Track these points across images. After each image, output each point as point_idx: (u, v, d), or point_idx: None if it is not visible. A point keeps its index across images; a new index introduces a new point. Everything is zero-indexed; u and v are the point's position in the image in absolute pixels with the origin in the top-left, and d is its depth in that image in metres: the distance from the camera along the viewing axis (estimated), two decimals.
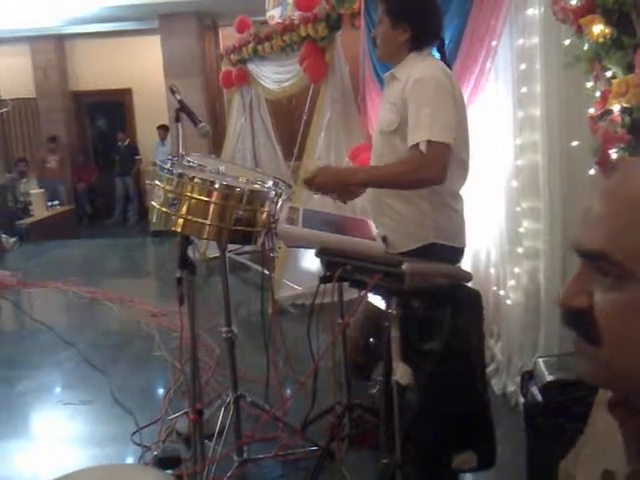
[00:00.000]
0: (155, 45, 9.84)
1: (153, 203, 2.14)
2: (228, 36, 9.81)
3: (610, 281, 0.61)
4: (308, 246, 2.31)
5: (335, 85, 4.60)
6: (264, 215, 2.16)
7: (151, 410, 3.16)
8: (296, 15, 4.76)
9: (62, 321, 4.94)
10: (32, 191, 8.85)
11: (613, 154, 1.71)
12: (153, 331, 4.30)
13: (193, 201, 2.03)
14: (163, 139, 10.35)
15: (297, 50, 4.83)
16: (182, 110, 2.65)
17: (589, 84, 1.89)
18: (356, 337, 2.98)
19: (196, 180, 2.05)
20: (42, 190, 8.99)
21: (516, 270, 2.88)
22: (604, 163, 1.74)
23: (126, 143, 10.95)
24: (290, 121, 6.02)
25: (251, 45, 5.51)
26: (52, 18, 8.70)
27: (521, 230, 2.79)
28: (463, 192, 2.34)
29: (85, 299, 5.24)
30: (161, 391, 3.46)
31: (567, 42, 2.01)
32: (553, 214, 2.63)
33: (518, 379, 2.92)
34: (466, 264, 3.51)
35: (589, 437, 0.81)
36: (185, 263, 2.26)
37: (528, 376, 2.15)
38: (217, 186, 2.04)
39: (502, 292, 3.05)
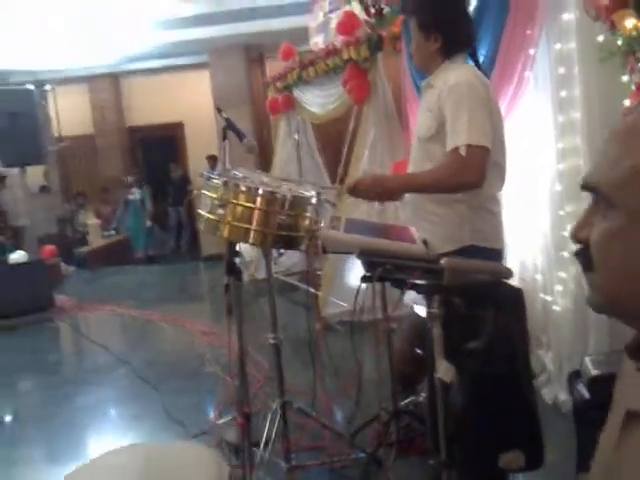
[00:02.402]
0: (205, 79, 10.20)
1: (200, 211, 2.24)
2: (274, 67, 10.10)
3: (603, 212, 0.65)
4: (350, 250, 2.36)
5: (378, 104, 4.68)
6: (306, 221, 2.23)
7: (202, 422, 3.22)
8: (338, 39, 4.89)
9: (117, 341, 5.11)
10: (89, 222, 9.21)
11: None
12: (204, 349, 4.39)
13: (238, 207, 2.11)
14: (212, 168, 10.63)
15: (340, 73, 4.94)
16: (229, 127, 2.77)
17: (625, 78, 1.89)
18: (403, 348, 2.99)
19: (241, 187, 2.13)
20: (99, 221, 9.36)
21: (562, 275, 2.85)
22: None
23: (179, 174, 11.29)
24: (335, 144, 6.11)
25: (296, 71, 5.67)
26: (108, 57, 9.13)
27: (566, 234, 2.77)
28: (504, 196, 2.35)
29: (139, 321, 5.40)
30: (212, 405, 3.53)
31: (601, 38, 2.02)
32: None
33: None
34: (512, 269, 3.49)
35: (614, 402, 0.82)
36: (232, 269, 2.34)
37: (575, 375, 2.12)
38: (260, 192, 2.12)
39: (549, 298, 3.01)
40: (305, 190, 2.44)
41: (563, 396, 2.98)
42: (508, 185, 2.46)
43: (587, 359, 2.08)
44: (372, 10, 4.09)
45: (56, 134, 10.21)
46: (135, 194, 10.73)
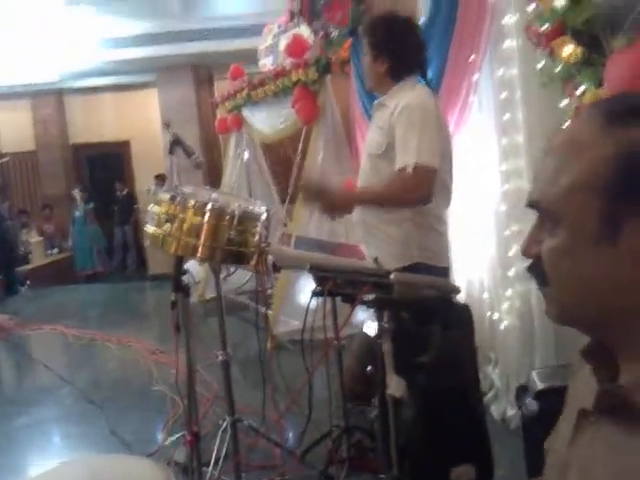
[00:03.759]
0: (153, 97, 10.12)
1: (147, 227, 2.21)
2: (223, 88, 10.10)
3: (548, 228, 0.67)
4: (300, 265, 2.37)
5: (327, 126, 4.74)
6: (256, 237, 2.23)
7: (149, 443, 3.14)
8: (287, 61, 4.94)
9: (60, 361, 4.94)
10: (32, 240, 8.94)
11: None
12: (151, 368, 4.30)
13: (186, 222, 2.10)
14: (160, 187, 10.50)
15: (289, 95, 4.98)
16: (176, 143, 2.75)
17: (564, 102, 1.98)
18: (352, 367, 3.00)
19: (189, 202, 2.12)
20: (41, 239, 9.10)
21: (508, 293, 2.93)
22: None
23: (124, 193, 11.11)
24: (285, 164, 6.16)
25: (245, 91, 5.68)
26: (52, 74, 8.95)
27: (511, 254, 2.85)
28: (451, 216, 2.42)
29: (84, 340, 5.25)
30: (160, 425, 3.45)
31: (540, 65, 2.12)
32: None
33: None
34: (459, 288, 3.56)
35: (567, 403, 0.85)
36: (179, 286, 2.31)
37: (522, 389, 2.17)
38: (209, 207, 2.11)
39: (496, 316, 3.09)
40: (255, 207, 2.45)
41: (511, 412, 3.04)
42: (455, 205, 2.54)
43: (534, 373, 2.14)
44: (320, 33, 4.15)
45: None
46: (80, 210, 10.48)
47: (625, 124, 0.63)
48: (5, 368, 5.22)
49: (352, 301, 1.97)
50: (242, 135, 6.29)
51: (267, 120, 5.66)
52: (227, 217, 2.11)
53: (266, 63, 5.87)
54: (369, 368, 3.05)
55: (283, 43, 5.43)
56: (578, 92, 1.86)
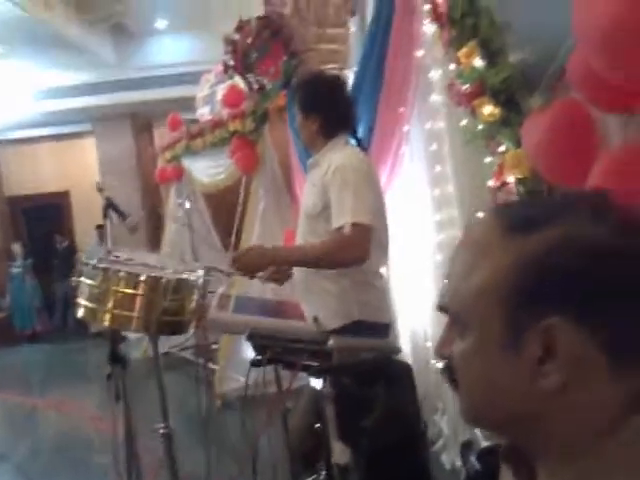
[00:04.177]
0: (91, 145, 9.96)
1: (80, 299, 2.14)
2: (162, 134, 10.06)
3: (458, 332, 0.67)
4: (238, 332, 2.33)
5: (266, 176, 4.76)
6: (193, 303, 2.18)
7: None
8: (224, 112, 4.96)
9: None
10: None
11: None
12: (92, 436, 4.12)
13: (119, 294, 2.04)
14: (102, 239, 10.28)
15: (228, 144, 4.99)
16: (110, 207, 2.70)
17: (488, 159, 2.04)
18: (299, 424, 2.95)
19: (121, 274, 2.06)
20: None
21: None
22: None
23: (64, 245, 10.79)
24: (227, 214, 6.13)
25: (184, 142, 5.67)
26: None
27: None
28: (391, 267, 2.43)
29: (23, 408, 5.01)
30: None
31: (464, 122, 2.18)
32: None
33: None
34: (404, 340, 3.57)
35: None
36: (116, 358, 2.23)
37: (467, 445, 2.16)
38: (142, 278, 2.06)
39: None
40: (192, 270, 2.40)
41: (459, 461, 3.04)
42: (393, 258, 2.55)
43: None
44: (255, 86, 4.19)
45: None
46: (19, 267, 10.10)
47: (523, 234, 0.64)
48: None
49: (292, 368, 1.95)
50: (182, 185, 6.25)
51: (206, 170, 5.66)
52: (162, 287, 2.06)
53: (204, 112, 5.88)
54: (317, 425, 3.01)
55: (220, 93, 5.46)
56: (500, 150, 1.91)
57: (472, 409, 0.68)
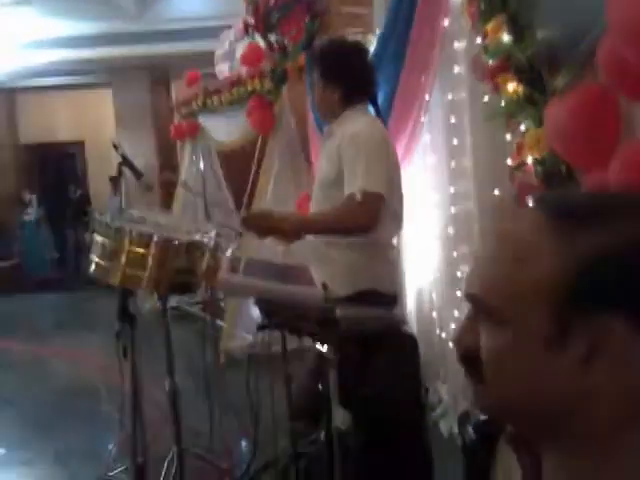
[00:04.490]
0: (107, 97, 9.90)
1: (92, 256, 2.16)
2: (180, 87, 9.97)
3: (491, 325, 0.64)
4: (247, 294, 2.35)
5: (282, 137, 4.72)
6: (204, 264, 2.20)
7: (95, 468, 3.07)
8: (243, 70, 4.90)
9: (3, 381, 4.74)
10: None
11: (530, 202, 1.81)
12: (100, 386, 4.21)
13: (131, 254, 2.06)
14: (116, 190, 10.31)
15: (245, 104, 4.94)
16: (124, 164, 2.71)
17: (508, 136, 2.01)
18: (303, 386, 2.99)
19: (133, 233, 2.08)
20: None
21: (456, 314, 2.96)
22: None
23: (77, 195, 10.85)
24: (241, 173, 6.11)
25: (200, 98, 5.62)
26: (2, 72, 8.69)
27: (459, 274, 2.88)
28: (403, 236, 2.42)
29: (30, 356, 5.11)
30: (107, 449, 3.38)
31: (486, 98, 2.14)
32: None
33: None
34: (411, 306, 3.60)
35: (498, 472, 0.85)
36: (125, 315, 2.27)
37: (465, 416, 2.19)
38: (155, 238, 2.08)
39: (444, 335, 3.12)
40: (204, 230, 2.41)
41: (457, 430, 3.08)
42: (406, 226, 2.54)
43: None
44: (275, 46, 4.13)
45: None
46: (31, 214, 10.17)
47: (574, 229, 0.62)
48: None
49: (298, 333, 1.97)
50: (198, 142, 6.22)
51: (223, 128, 5.62)
52: (173, 248, 2.08)
53: (223, 69, 5.81)
54: (320, 387, 3.06)
55: (240, 50, 5.38)
56: (520, 129, 1.89)
57: (501, 404, 0.66)
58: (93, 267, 2.15)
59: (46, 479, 3.09)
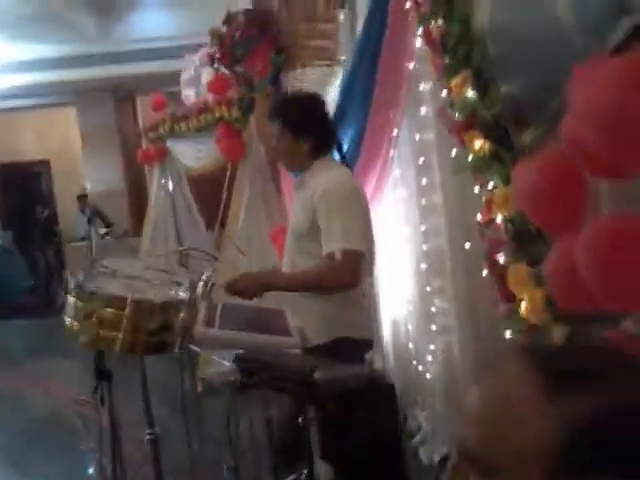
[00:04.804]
0: (72, 116, 9.78)
1: (65, 317, 2.14)
2: (146, 112, 9.88)
3: (481, 471, 0.66)
4: (224, 348, 2.36)
5: (252, 165, 4.72)
6: (180, 321, 2.19)
7: None
8: (210, 97, 4.89)
9: None
10: None
11: (500, 258, 1.85)
12: (75, 420, 4.16)
13: (105, 316, 2.04)
14: (83, 208, 10.17)
15: (213, 129, 4.93)
16: (96, 215, 2.69)
17: (476, 188, 2.05)
18: (282, 417, 3.00)
19: (107, 296, 2.06)
20: None
21: (431, 347, 3.00)
22: (493, 268, 1.88)
23: (45, 215, 10.67)
24: (211, 195, 6.11)
25: (167, 124, 5.60)
26: None
27: (433, 309, 2.92)
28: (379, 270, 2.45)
29: (7, 388, 5.03)
30: None
31: (453, 152, 2.18)
32: (458, 292, 2.77)
33: (444, 450, 3.02)
34: (387, 337, 3.64)
35: None
36: (101, 374, 2.25)
37: (443, 461, 2.23)
38: (129, 300, 2.06)
39: (420, 367, 3.16)
40: (179, 282, 2.41)
41: (437, 457, 3.12)
42: (380, 257, 2.57)
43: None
44: (241, 78, 4.13)
45: None
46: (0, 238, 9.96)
47: (560, 391, 0.63)
48: None
49: (279, 392, 1.99)
50: (166, 166, 6.19)
51: (191, 153, 5.60)
52: (147, 309, 2.07)
53: (189, 94, 5.78)
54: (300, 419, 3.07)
55: (205, 76, 5.36)
56: (489, 186, 1.92)
57: None
58: (67, 327, 2.12)
59: None
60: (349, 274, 2.18)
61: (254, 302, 3.25)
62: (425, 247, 2.90)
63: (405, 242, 3.09)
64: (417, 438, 3.40)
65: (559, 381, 0.64)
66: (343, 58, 3.67)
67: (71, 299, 2.12)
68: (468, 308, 2.77)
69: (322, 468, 1.99)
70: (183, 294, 2.27)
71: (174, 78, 6.15)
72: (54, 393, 4.85)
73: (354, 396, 2.01)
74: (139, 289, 2.23)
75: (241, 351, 2.13)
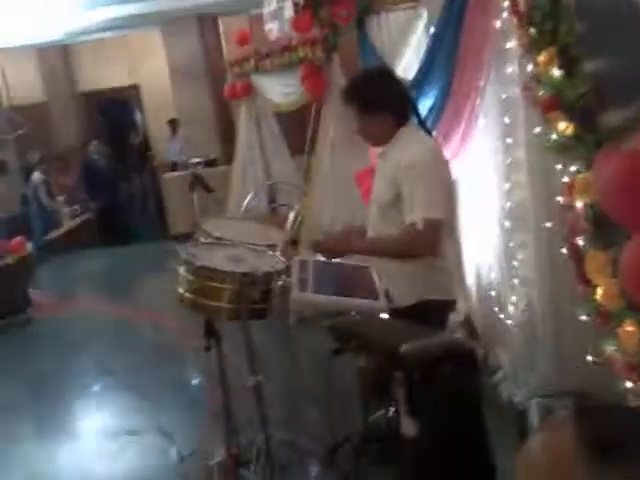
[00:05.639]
0: (158, 41, 9.95)
1: (179, 289, 2.41)
2: (228, 25, 9.88)
3: None
4: (317, 309, 2.58)
5: (335, 104, 4.76)
6: (277, 288, 2.41)
7: (193, 436, 3.43)
8: (294, 36, 4.91)
9: (98, 346, 5.14)
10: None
11: (579, 242, 1.92)
12: (187, 352, 4.57)
13: (212, 288, 2.29)
14: (173, 132, 10.55)
15: (297, 66, 4.98)
16: (196, 181, 2.92)
17: (559, 166, 2.08)
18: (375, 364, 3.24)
19: (214, 271, 2.30)
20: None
21: (513, 299, 3.11)
22: (573, 250, 1.95)
23: (137, 141, 11.14)
24: (297, 125, 6.21)
25: (252, 61, 5.67)
26: (56, 31, 8.85)
27: (515, 263, 3.02)
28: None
29: (117, 318, 5.55)
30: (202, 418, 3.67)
31: (538, 129, 2.20)
32: (540, 247, 2.84)
33: (524, 390, 3.19)
34: (470, 282, 3.76)
35: None
36: (211, 333, 2.54)
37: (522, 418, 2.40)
38: (235, 274, 2.30)
39: (502, 315, 3.29)
40: (273, 244, 2.63)
41: (518, 397, 3.30)
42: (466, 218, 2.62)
43: (532, 404, 2.36)
44: (326, 25, 4.13)
45: (6, 103, 9.96)
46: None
47: (605, 465, 0.72)
48: (47, 358, 5.18)
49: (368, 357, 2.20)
50: (253, 101, 6.31)
51: (277, 89, 5.67)
52: (250, 281, 2.30)
53: (272, 28, 5.79)
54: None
55: (288, 10, 5.35)
56: (571, 168, 1.96)
57: None
58: (180, 299, 2.39)
59: (155, 450, 3.46)
60: (429, 244, 2.32)
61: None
62: (508, 204, 2.95)
63: (489, 197, 3.14)
64: (499, 375, 3.57)
65: (606, 455, 0.73)
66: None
67: (182, 272, 2.38)
68: (549, 260, 2.84)
69: (407, 424, 2.20)
70: (279, 262, 2.48)
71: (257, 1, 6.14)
72: (162, 324, 5.26)
73: (437, 362, 2.18)
74: (240, 258, 2.46)
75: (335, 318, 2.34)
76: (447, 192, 2.39)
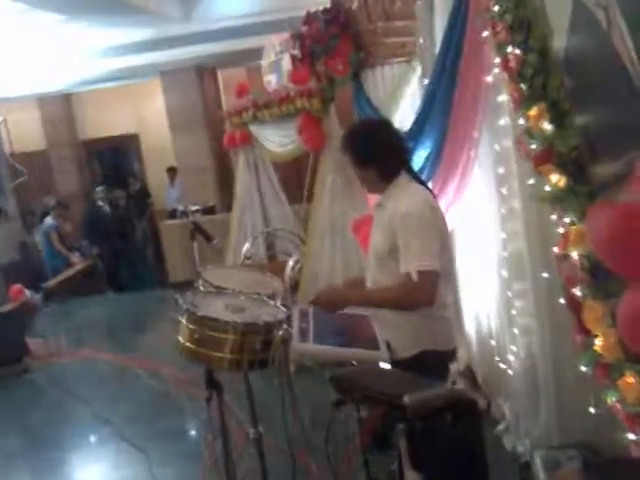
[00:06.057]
0: (157, 94, 10.18)
1: (179, 338, 2.42)
2: (226, 77, 10.13)
3: None
4: (318, 360, 2.58)
5: (333, 152, 4.85)
6: (278, 338, 2.42)
7: None
8: (291, 87, 5.03)
9: (97, 395, 5.08)
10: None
11: (577, 292, 1.95)
12: (183, 401, 4.54)
13: (215, 338, 2.30)
14: (172, 180, 10.68)
15: (295, 117, 5.09)
16: (196, 230, 2.95)
17: (553, 217, 2.13)
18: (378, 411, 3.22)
19: (215, 321, 2.32)
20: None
21: (513, 348, 3.12)
22: (571, 300, 1.98)
23: (137, 188, 11.25)
24: (294, 174, 6.33)
25: (250, 111, 5.79)
26: (59, 81, 9.04)
27: (514, 312, 3.04)
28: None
29: (115, 368, 5.52)
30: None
31: (531, 180, 2.26)
32: (539, 295, 2.87)
33: (527, 442, 3.17)
34: (470, 331, 3.77)
35: None
36: (212, 383, 2.53)
37: (525, 467, 2.39)
38: (237, 324, 2.31)
39: (503, 365, 3.29)
40: (274, 293, 2.65)
41: (520, 447, 3.27)
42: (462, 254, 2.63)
43: (536, 456, 2.35)
44: (322, 77, 4.25)
45: (8, 151, 10.08)
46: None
47: None
48: (44, 407, 5.13)
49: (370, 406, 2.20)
50: (251, 150, 6.42)
51: (275, 139, 5.77)
52: (252, 331, 2.31)
53: (270, 80, 5.95)
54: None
55: (286, 62, 5.50)
56: (565, 219, 2.01)
57: None
58: (180, 348, 2.39)
59: None
60: (424, 293, 2.34)
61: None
62: (505, 254, 2.99)
63: (485, 247, 3.19)
64: (501, 427, 3.55)
65: None
66: (421, 42, 3.66)
67: (183, 321, 2.39)
68: (549, 309, 2.87)
69: (411, 476, 2.19)
70: (280, 312, 2.50)
71: (251, 55, 6.30)
72: (159, 373, 5.22)
73: (439, 413, 2.18)
74: (241, 307, 2.48)
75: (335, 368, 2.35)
76: (442, 243, 2.43)
